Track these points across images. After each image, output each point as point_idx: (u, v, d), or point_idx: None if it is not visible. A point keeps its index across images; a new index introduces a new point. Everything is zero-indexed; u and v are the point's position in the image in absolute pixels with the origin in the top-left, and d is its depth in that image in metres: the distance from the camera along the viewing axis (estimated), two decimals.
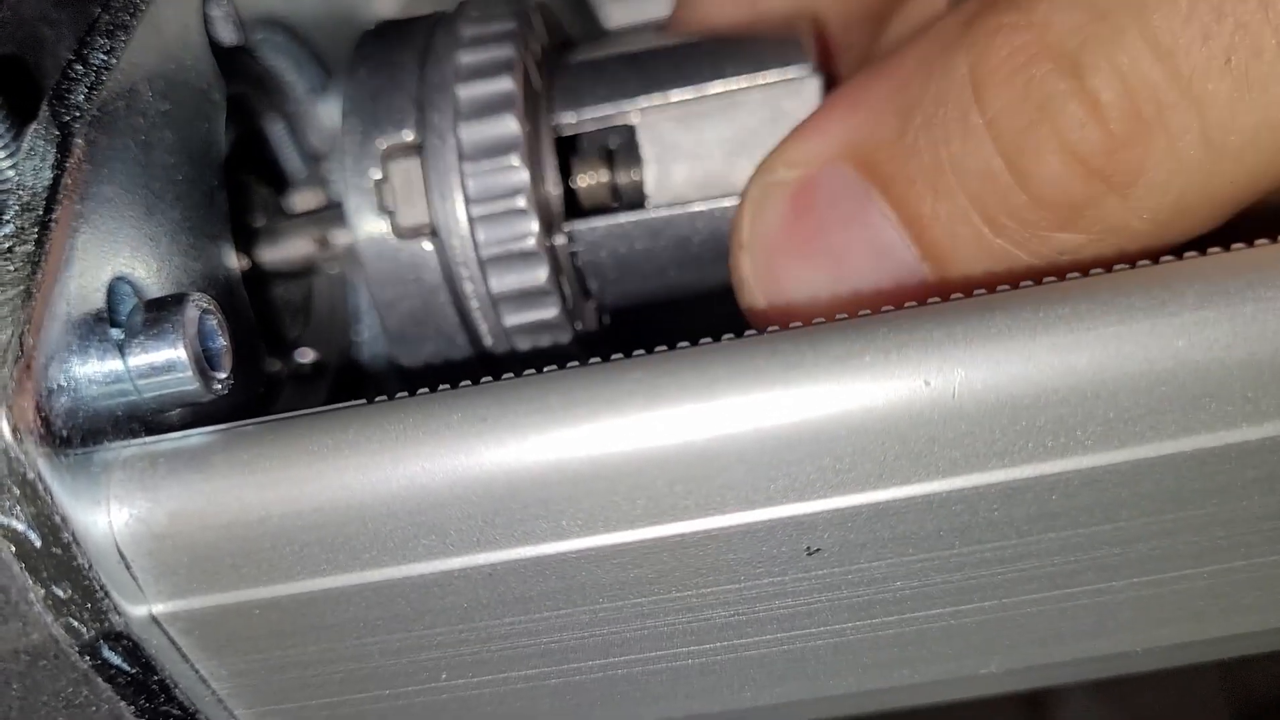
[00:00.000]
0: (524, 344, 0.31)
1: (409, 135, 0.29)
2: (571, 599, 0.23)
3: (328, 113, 0.39)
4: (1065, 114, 0.22)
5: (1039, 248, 0.24)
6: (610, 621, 0.23)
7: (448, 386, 0.24)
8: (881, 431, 0.21)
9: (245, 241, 0.34)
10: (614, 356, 0.23)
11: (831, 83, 0.31)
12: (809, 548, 0.22)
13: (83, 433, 0.23)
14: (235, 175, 0.36)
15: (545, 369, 0.23)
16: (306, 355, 0.38)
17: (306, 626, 0.24)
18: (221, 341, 0.25)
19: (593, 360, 0.23)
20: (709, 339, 0.23)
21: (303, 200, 0.38)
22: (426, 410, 0.23)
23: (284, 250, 0.34)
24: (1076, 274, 0.22)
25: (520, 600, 0.23)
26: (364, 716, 0.26)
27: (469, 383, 0.23)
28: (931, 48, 0.25)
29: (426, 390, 0.24)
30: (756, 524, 0.21)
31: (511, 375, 0.24)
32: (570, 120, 0.30)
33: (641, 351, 0.23)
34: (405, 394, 0.24)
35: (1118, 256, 0.23)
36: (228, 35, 0.32)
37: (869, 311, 0.23)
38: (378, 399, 0.24)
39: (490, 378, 0.24)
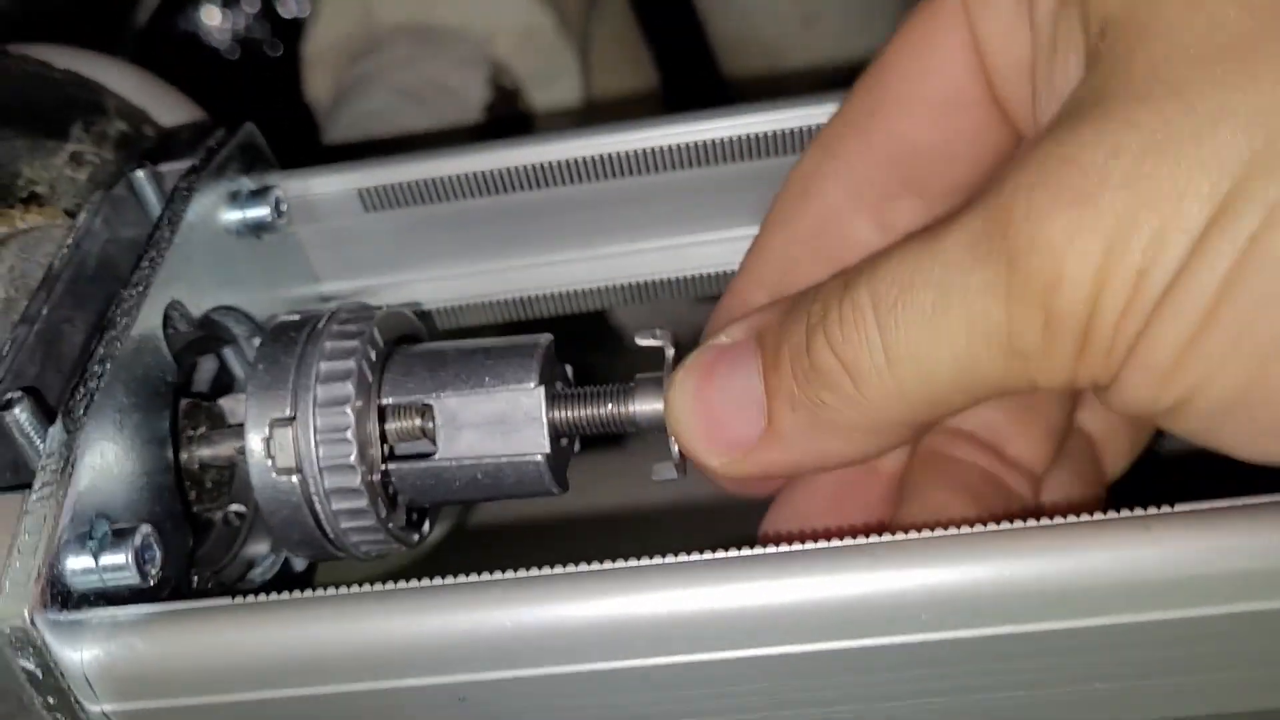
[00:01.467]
0: (354, 537, 0.49)
1: (287, 412, 0.47)
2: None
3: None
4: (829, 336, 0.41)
5: (812, 398, 0.42)
6: None
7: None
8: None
9: (189, 444, 0.53)
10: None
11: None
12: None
13: (70, 605, 0.41)
14: (189, 393, 0.55)
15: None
16: (233, 506, 0.57)
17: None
18: (155, 552, 0.43)
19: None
20: None
21: (239, 405, 0.57)
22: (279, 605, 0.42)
23: (214, 451, 0.52)
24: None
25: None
26: None
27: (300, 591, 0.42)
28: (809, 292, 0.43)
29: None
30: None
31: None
32: (390, 401, 0.49)
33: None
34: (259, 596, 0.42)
35: (854, 412, 0.41)
36: (183, 326, 0.51)
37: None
38: (250, 598, 0.42)
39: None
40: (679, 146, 0.57)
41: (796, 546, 0.40)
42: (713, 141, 0.57)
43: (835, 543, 0.40)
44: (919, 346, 0.39)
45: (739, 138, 0.57)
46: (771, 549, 0.40)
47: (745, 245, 0.60)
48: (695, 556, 0.40)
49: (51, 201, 0.54)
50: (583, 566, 0.40)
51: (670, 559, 0.40)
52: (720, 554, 0.40)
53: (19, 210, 0.52)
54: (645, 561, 0.40)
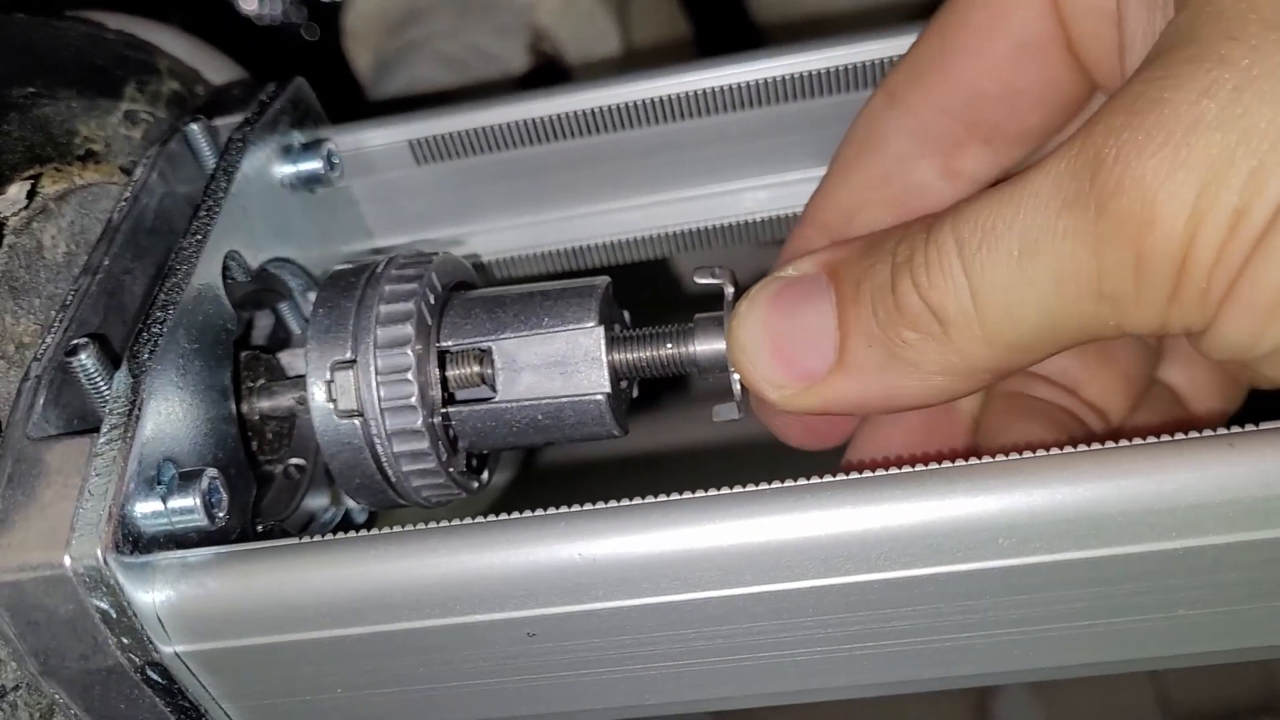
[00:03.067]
0: (415, 481, 0.49)
1: (348, 355, 0.47)
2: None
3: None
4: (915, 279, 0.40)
5: (894, 338, 0.41)
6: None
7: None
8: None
9: (250, 395, 0.53)
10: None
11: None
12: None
13: (141, 548, 0.42)
14: (248, 346, 0.55)
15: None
16: (294, 459, 0.57)
17: (261, 662, 0.42)
18: (222, 495, 0.43)
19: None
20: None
21: (296, 360, 0.57)
22: (343, 545, 0.42)
23: (274, 403, 0.52)
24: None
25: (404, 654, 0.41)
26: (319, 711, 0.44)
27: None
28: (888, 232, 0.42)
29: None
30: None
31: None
32: (449, 345, 0.48)
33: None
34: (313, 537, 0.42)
35: (936, 354, 0.40)
36: (241, 277, 0.51)
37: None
38: (317, 538, 0.42)
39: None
40: (729, 88, 0.56)
41: (866, 474, 0.39)
42: (761, 82, 0.56)
43: (908, 469, 0.39)
44: (1006, 291, 0.38)
45: (787, 78, 0.56)
46: (840, 477, 0.39)
47: (799, 189, 0.60)
48: (765, 486, 0.39)
49: (108, 159, 0.54)
50: (649, 499, 0.40)
51: (740, 489, 0.39)
52: (791, 483, 0.39)
53: (76, 167, 0.52)
54: (714, 492, 0.40)
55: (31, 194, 0.48)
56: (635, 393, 0.52)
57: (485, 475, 0.52)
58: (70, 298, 0.46)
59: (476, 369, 0.48)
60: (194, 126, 0.52)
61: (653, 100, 0.57)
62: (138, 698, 0.42)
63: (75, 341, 0.43)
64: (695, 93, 0.56)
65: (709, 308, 0.49)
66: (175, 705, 0.43)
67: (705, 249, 0.61)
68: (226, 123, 0.54)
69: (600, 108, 0.57)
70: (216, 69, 0.65)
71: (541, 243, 0.61)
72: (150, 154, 0.52)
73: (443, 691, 0.43)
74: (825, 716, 1.65)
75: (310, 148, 0.56)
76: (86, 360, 0.42)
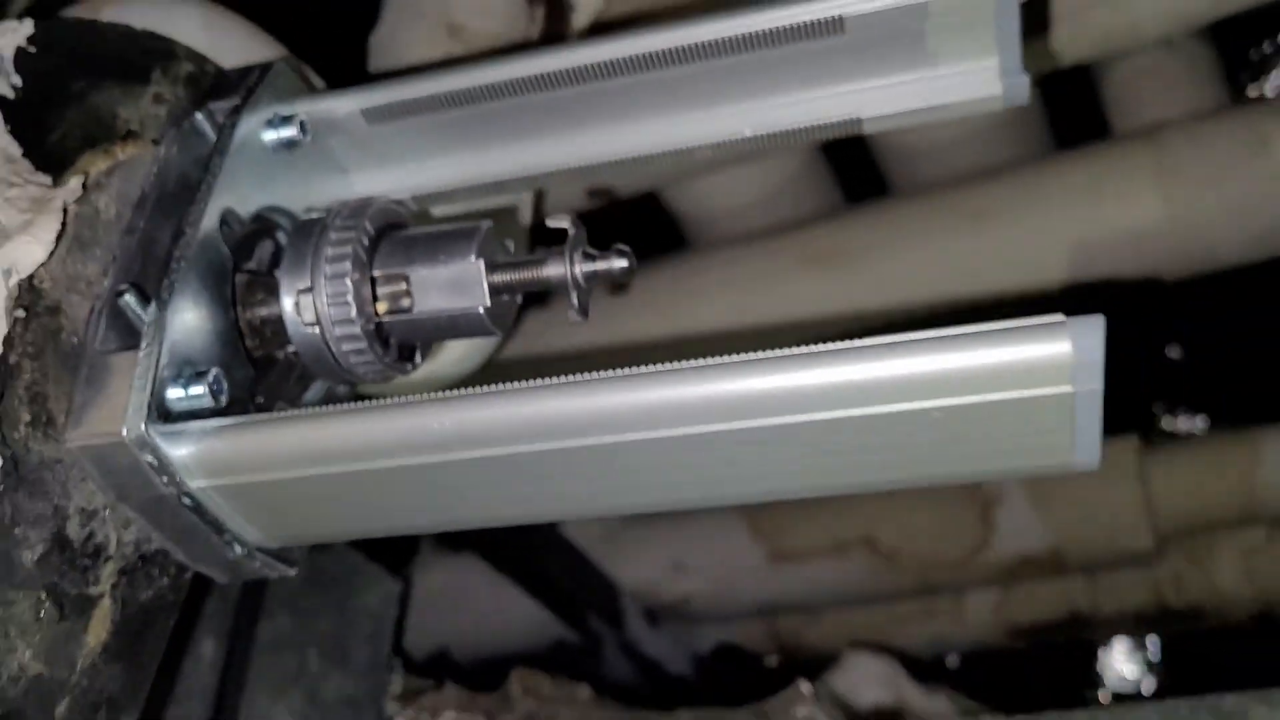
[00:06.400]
0: (361, 370, 0.70)
1: (307, 284, 0.68)
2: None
3: None
4: None
5: None
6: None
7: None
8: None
9: (248, 306, 0.74)
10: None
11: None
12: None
13: (172, 420, 0.64)
14: (246, 269, 0.76)
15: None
16: (290, 347, 0.78)
17: (260, 492, 0.65)
18: (223, 385, 0.65)
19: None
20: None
21: None
22: (341, 414, 0.63)
23: (268, 310, 0.74)
24: None
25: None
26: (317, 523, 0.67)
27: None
28: None
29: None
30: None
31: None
32: (379, 273, 0.69)
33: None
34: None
35: None
36: (236, 227, 0.71)
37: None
38: (290, 411, 0.64)
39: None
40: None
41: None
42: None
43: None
44: None
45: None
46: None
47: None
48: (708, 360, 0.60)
49: (143, 135, 0.74)
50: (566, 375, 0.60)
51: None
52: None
53: (119, 145, 0.73)
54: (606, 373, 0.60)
55: (85, 183, 0.68)
56: (520, 300, 0.72)
57: (417, 359, 0.74)
58: (118, 253, 0.68)
59: (402, 287, 0.69)
60: (198, 116, 0.72)
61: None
62: (181, 514, 0.65)
63: (120, 287, 0.64)
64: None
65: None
66: (205, 520, 0.66)
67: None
68: (222, 106, 0.74)
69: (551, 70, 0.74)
70: (232, 35, 0.84)
71: (473, 177, 0.80)
72: (169, 135, 0.73)
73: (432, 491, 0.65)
74: (835, 515, 1.89)
75: (287, 118, 0.75)
76: (129, 299, 0.64)
